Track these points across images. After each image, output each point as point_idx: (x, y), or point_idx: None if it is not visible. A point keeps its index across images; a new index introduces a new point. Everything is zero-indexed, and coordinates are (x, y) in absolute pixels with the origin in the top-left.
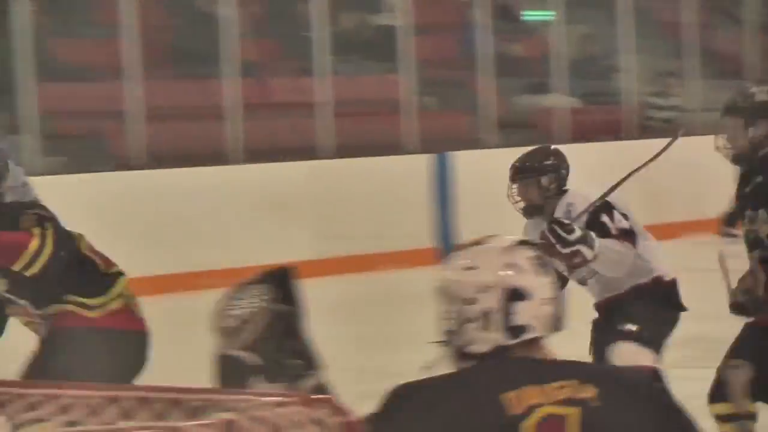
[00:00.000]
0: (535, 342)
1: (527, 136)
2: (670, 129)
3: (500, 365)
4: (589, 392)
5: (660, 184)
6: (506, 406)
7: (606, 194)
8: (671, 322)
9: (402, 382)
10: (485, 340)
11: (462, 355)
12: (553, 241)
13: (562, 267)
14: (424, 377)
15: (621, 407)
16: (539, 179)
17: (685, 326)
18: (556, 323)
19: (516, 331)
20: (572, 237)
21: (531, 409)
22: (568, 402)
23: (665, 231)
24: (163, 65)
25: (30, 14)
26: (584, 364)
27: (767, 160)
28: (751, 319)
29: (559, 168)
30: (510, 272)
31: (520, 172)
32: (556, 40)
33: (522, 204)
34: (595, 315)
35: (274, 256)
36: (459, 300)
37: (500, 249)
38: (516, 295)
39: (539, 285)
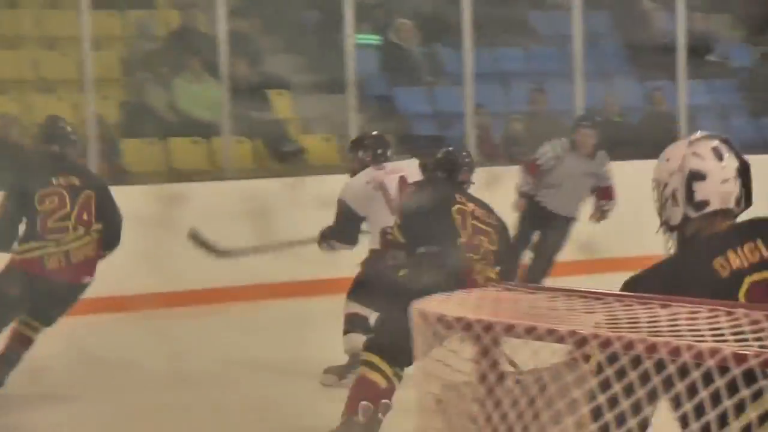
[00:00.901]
0: (720, 214)
1: None
2: None
3: (706, 238)
4: None
5: None
6: (717, 271)
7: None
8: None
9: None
10: (677, 213)
11: (669, 227)
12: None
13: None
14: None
15: None
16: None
17: None
18: (739, 200)
19: (698, 205)
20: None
21: (736, 275)
22: (763, 264)
23: None
24: None
25: None
26: (758, 222)
27: None
28: None
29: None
30: (691, 159)
31: None
32: None
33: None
34: None
35: None
36: (659, 185)
37: (686, 142)
38: (695, 176)
39: (716, 168)
